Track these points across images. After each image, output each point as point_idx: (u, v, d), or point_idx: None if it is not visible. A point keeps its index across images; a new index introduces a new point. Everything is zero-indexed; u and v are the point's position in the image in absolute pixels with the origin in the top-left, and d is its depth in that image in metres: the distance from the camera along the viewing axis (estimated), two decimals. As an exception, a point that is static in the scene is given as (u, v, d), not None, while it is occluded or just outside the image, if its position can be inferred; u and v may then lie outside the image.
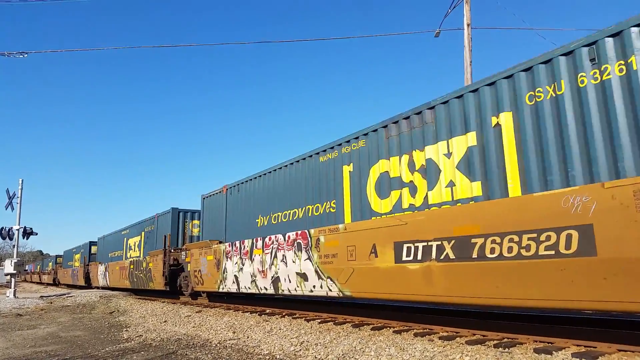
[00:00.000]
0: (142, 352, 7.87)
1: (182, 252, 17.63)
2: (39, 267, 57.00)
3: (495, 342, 6.47)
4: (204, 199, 17.01)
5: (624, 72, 5.46)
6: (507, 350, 5.94)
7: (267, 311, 12.23)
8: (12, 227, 25.34)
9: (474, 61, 17.88)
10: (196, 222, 19.99)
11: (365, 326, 8.68)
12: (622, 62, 5.47)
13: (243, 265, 12.86)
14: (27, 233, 25.90)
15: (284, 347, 7.49)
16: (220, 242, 14.73)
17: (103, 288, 29.22)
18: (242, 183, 14.31)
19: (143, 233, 22.74)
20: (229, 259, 13.73)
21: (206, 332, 9.69)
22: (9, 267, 24.60)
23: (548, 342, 6.19)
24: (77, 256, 36.91)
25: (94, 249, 33.84)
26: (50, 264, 50.57)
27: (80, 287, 35.16)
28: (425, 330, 7.72)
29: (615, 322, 6.96)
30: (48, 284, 50.88)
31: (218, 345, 8.27)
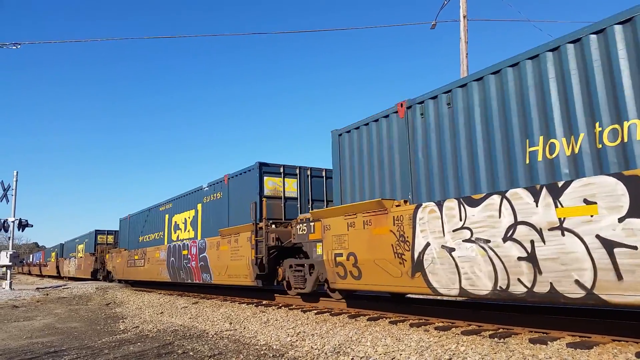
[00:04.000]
0: (139, 343, 7.88)
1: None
2: (54, 254, 45.56)
3: (490, 332, 6.52)
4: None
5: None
6: (502, 340, 5.98)
7: (264, 302, 12.27)
8: (6, 219, 25.24)
9: (470, 53, 17.83)
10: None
11: (361, 317, 8.72)
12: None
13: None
14: (22, 225, 25.81)
15: (280, 337, 7.52)
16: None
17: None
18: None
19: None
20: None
21: (203, 323, 9.71)
22: (4, 259, 24.53)
23: (543, 333, 6.24)
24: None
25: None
26: (54, 254, 46.05)
27: (85, 280, 31.98)
28: (421, 321, 7.76)
29: (609, 312, 7.02)
30: (50, 276, 47.19)
31: (215, 336, 8.29)
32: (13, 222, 25.15)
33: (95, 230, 31.56)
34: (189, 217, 16.92)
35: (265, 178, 12.69)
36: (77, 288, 23.76)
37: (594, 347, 5.32)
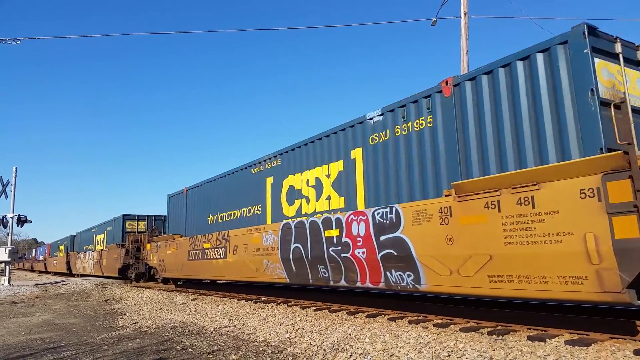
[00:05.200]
0: (138, 339, 7.89)
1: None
2: (62, 247, 39.41)
3: (489, 329, 6.52)
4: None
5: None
6: (501, 337, 5.98)
7: (263, 299, 12.27)
8: (5, 215, 25.22)
9: (472, 49, 17.81)
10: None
11: (360, 314, 8.73)
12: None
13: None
14: (22, 221, 25.81)
15: (279, 334, 7.53)
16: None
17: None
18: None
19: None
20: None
21: (202, 320, 9.72)
22: (3, 254, 24.52)
23: (541, 330, 6.24)
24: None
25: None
26: (62, 247, 39.83)
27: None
28: (419, 318, 7.76)
29: (608, 311, 7.03)
30: (59, 273, 40.52)
31: (213, 332, 8.30)
32: (12, 218, 25.13)
33: (123, 215, 25.32)
34: (328, 175, 10.09)
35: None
36: (76, 284, 23.75)
37: (592, 344, 5.33)
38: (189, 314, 10.71)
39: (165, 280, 20.07)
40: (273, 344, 7.01)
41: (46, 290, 21.14)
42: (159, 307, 12.67)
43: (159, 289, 18.62)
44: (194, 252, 15.33)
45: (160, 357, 6.49)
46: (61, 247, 40.61)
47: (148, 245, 20.07)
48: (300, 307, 10.05)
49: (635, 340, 5.40)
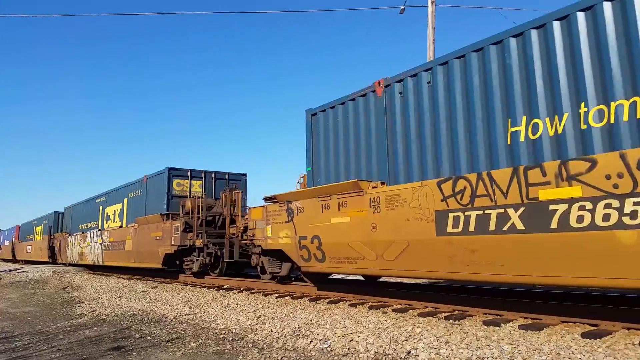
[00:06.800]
0: (95, 328, 7.73)
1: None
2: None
3: (446, 314, 6.67)
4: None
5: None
6: (457, 322, 6.13)
7: (225, 286, 12.18)
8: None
9: (439, 39, 17.88)
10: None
11: (322, 300, 8.78)
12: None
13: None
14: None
15: (240, 321, 7.49)
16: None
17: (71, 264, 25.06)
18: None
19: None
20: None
21: (162, 308, 9.58)
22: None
23: (497, 315, 6.42)
24: (115, 208, 20.24)
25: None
26: (39, 228, 32.30)
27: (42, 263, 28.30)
28: (379, 303, 7.87)
29: (560, 294, 7.29)
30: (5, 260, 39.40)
31: (174, 320, 8.20)
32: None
33: (169, 169, 18.24)
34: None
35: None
36: (33, 272, 23.04)
37: (544, 328, 5.52)
38: (149, 302, 10.54)
39: (315, 277, 10.19)
40: (234, 331, 6.98)
41: (0, 279, 20.42)
42: (119, 294, 12.42)
43: (119, 277, 18.08)
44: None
45: (118, 345, 6.38)
46: (38, 229, 32.64)
47: (255, 211, 10.69)
48: (262, 294, 10.03)
49: (583, 324, 5.62)
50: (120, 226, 18.83)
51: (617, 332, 5.19)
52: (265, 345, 6.02)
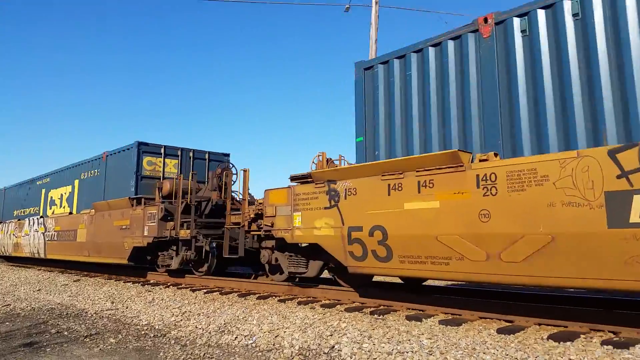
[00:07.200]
0: (7, 323, 7.29)
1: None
2: None
3: (371, 309, 6.79)
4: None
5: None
6: (381, 317, 6.25)
7: (151, 281, 11.77)
8: None
9: (381, 39, 18.06)
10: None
11: (251, 295, 8.68)
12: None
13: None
14: None
15: (164, 317, 7.27)
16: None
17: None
18: None
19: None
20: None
21: (83, 302, 9.14)
22: None
23: (419, 310, 6.61)
24: (64, 191, 17.14)
25: None
26: None
27: None
28: (309, 299, 7.88)
29: (477, 291, 7.61)
30: None
31: (94, 315, 7.85)
32: None
33: (139, 144, 14.04)
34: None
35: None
36: (-59, 264, 21.26)
37: (463, 324, 5.72)
38: (70, 296, 10.01)
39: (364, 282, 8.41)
40: (156, 327, 6.76)
41: None
42: (38, 287, 11.72)
43: (40, 269, 17.03)
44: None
45: (31, 341, 6.03)
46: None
47: (276, 194, 8.28)
48: (190, 290, 9.77)
49: (500, 320, 5.88)
50: (71, 212, 15.64)
51: (530, 327, 5.47)
52: (188, 342, 5.88)
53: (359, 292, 7.69)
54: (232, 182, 11.48)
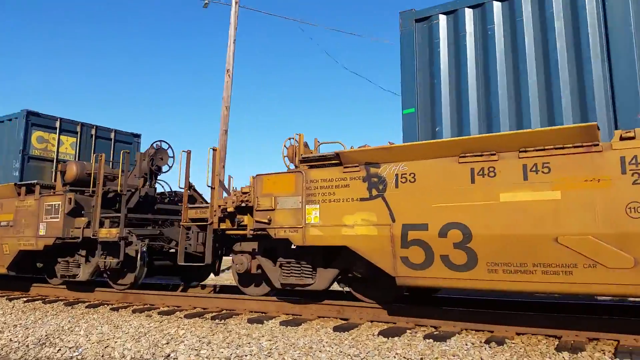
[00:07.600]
0: None
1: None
2: None
3: (213, 314, 6.62)
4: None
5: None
6: (222, 321, 6.13)
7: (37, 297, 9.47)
8: None
9: (240, 41, 17.87)
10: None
11: (80, 304, 7.90)
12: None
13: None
14: None
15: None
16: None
17: None
18: None
19: None
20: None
21: None
22: None
23: (262, 313, 6.63)
24: None
25: None
26: None
27: None
28: (145, 307, 7.42)
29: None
30: None
31: None
32: None
33: (28, 113, 10.97)
34: None
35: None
36: None
37: (302, 324, 5.87)
38: None
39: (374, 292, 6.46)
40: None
41: None
42: None
43: None
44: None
45: None
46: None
47: (272, 181, 6.32)
48: (6, 299, 8.54)
49: (336, 318, 6.16)
50: None
51: (363, 324, 5.79)
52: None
53: (386, 308, 5.98)
54: (169, 167, 9.52)
